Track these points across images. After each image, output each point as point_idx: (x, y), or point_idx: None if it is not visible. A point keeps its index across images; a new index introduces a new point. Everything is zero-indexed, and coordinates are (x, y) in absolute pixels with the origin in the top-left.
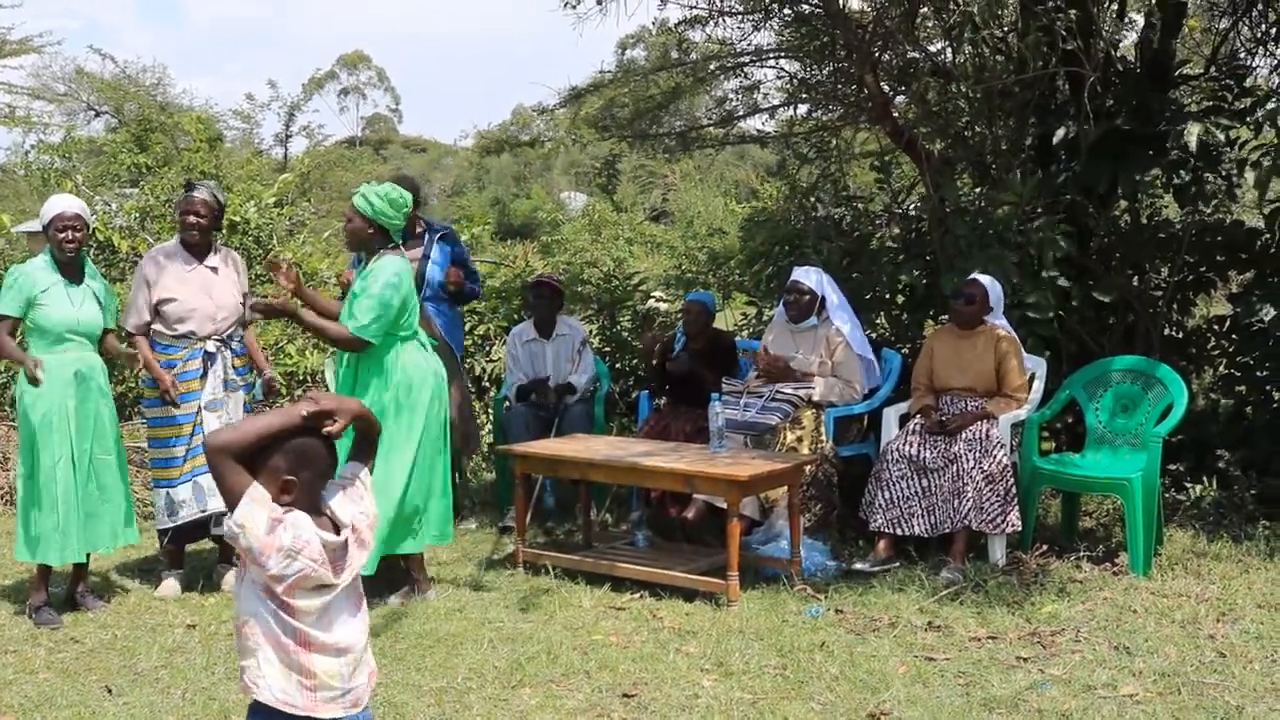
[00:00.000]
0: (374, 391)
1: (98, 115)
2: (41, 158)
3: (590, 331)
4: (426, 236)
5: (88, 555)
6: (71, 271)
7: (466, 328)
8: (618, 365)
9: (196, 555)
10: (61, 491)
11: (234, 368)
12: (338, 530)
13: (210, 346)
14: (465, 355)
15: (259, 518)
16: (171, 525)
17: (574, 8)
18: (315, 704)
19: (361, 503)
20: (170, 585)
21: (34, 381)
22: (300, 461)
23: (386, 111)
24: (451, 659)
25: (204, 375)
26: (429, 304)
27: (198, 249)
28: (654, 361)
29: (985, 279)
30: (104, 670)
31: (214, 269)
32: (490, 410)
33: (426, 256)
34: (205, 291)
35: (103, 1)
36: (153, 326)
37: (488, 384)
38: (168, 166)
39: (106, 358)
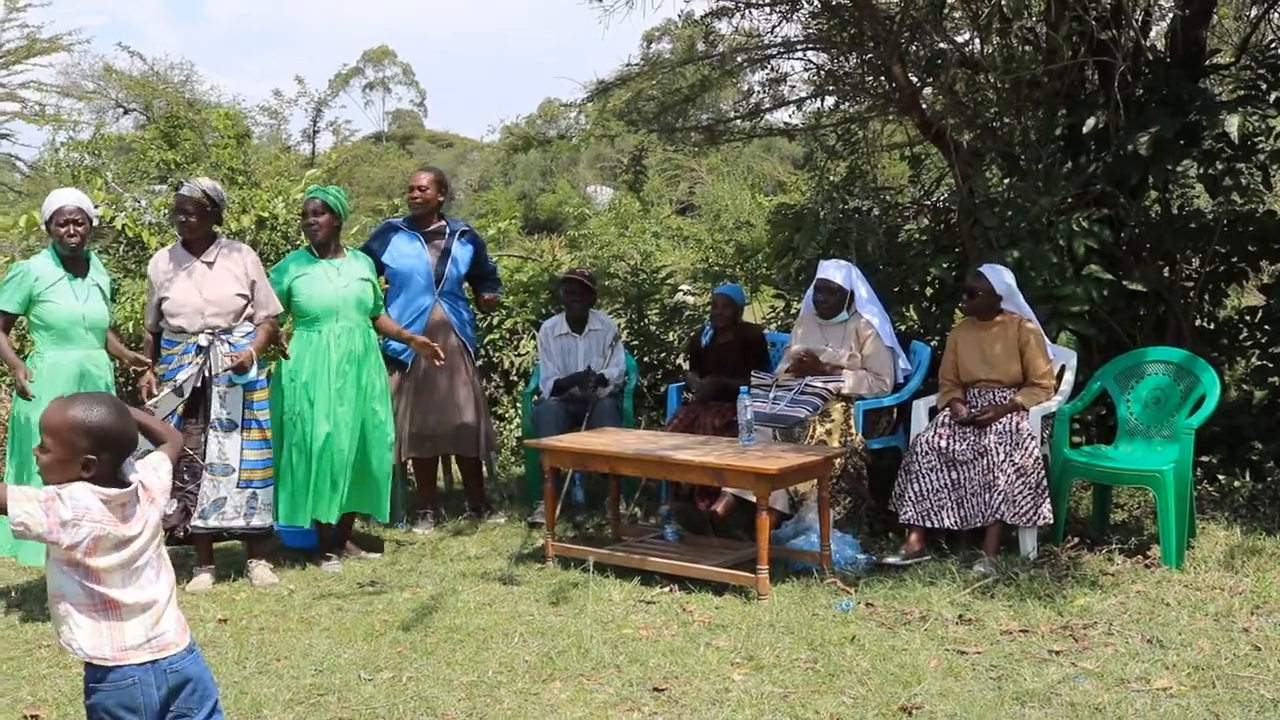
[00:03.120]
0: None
1: (126, 112)
2: (71, 155)
3: (619, 325)
4: (448, 232)
5: None
6: (76, 266)
7: (495, 321)
8: (646, 359)
9: (227, 551)
10: None
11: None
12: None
13: (202, 341)
14: (496, 349)
15: (30, 509)
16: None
17: (600, 0)
18: (125, 654)
19: (156, 471)
20: (201, 580)
21: (23, 394)
22: (102, 443)
23: (412, 106)
24: (482, 653)
25: (190, 368)
26: (444, 300)
27: (195, 245)
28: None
29: (993, 271)
30: None
31: (209, 263)
32: (519, 404)
33: (448, 252)
34: (196, 287)
35: None
36: (162, 324)
37: (516, 378)
38: (196, 163)
39: (112, 355)
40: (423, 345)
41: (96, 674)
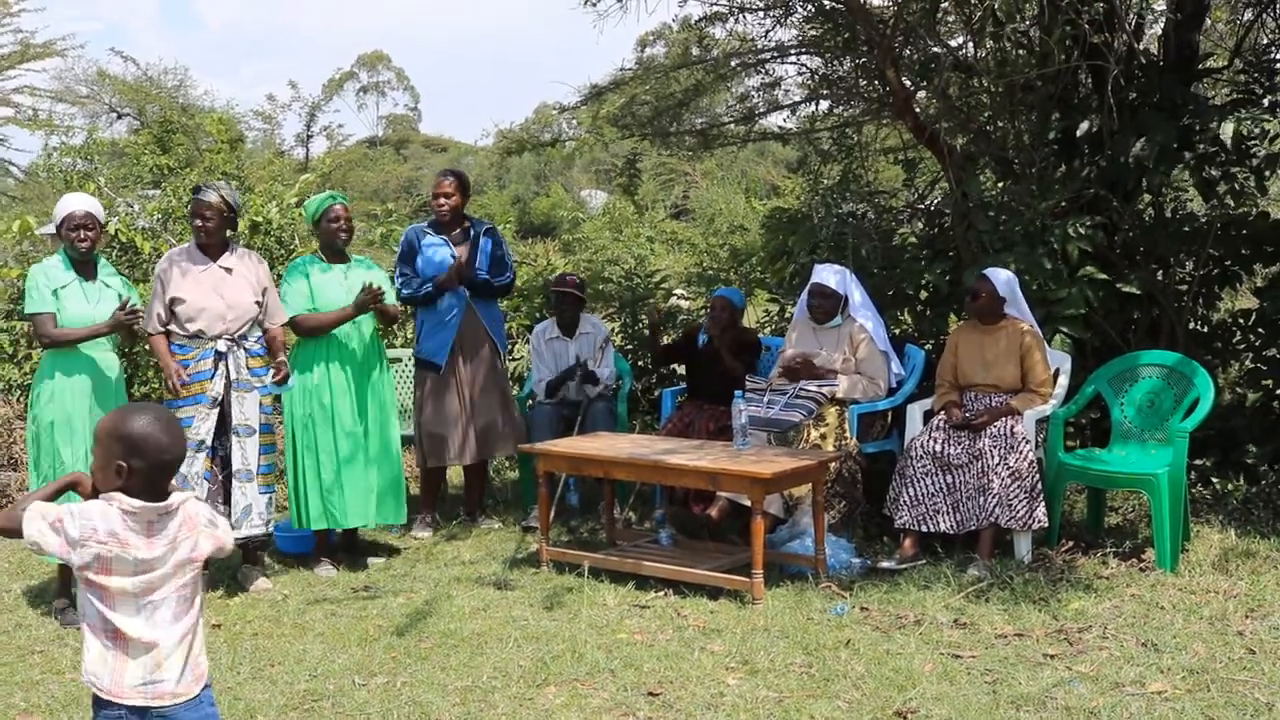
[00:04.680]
0: None
1: (120, 117)
2: (64, 160)
3: (612, 329)
4: (473, 232)
5: None
6: (86, 270)
7: None
8: (640, 363)
9: None
10: None
11: (248, 368)
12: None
13: (221, 346)
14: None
15: (42, 528)
16: None
17: (594, 5)
18: (121, 691)
19: (215, 518)
20: None
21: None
22: (134, 450)
23: (406, 111)
24: (476, 658)
25: (214, 375)
26: (475, 301)
27: (211, 249)
28: (656, 339)
29: (996, 274)
30: None
31: (228, 269)
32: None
33: (475, 252)
34: (216, 291)
35: (124, 5)
36: (170, 327)
37: (510, 382)
38: (190, 168)
39: (133, 354)
40: (366, 299)
41: (96, 701)
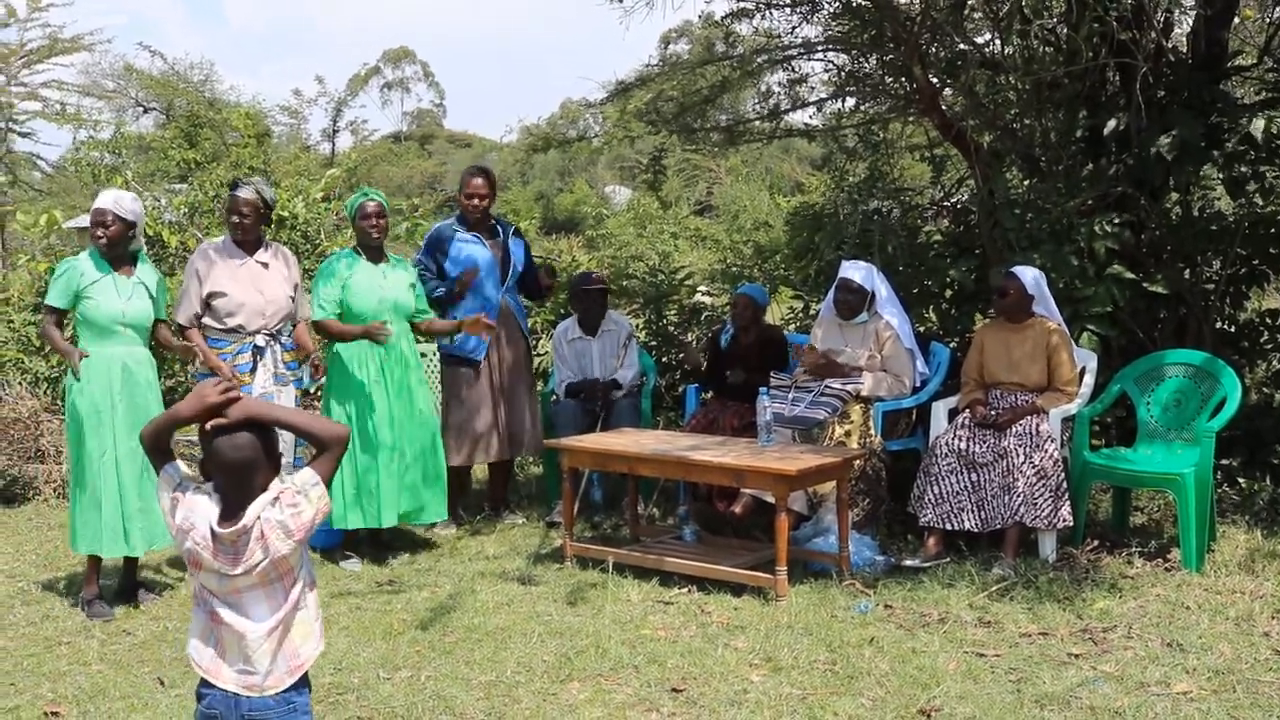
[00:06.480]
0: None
1: (146, 111)
2: (91, 154)
3: (636, 326)
4: (499, 230)
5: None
6: (120, 264)
7: None
8: (664, 359)
9: None
10: (112, 485)
11: (284, 362)
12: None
13: (260, 340)
14: None
15: (164, 499)
16: None
17: (620, 1)
18: (217, 670)
19: (293, 503)
20: None
21: (75, 374)
22: (208, 458)
23: (431, 106)
24: (500, 652)
25: (254, 369)
26: (509, 297)
27: (246, 245)
28: (703, 368)
29: (1024, 271)
30: (156, 662)
31: (264, 264)
32: (538, 404)
33: (507, 249)
34: (255, 286)
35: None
36: (203, 320)
37: (534, 377)
38: (216, 162)
39: (160, 350)
40: (473, 323)
41: (199, 685)
